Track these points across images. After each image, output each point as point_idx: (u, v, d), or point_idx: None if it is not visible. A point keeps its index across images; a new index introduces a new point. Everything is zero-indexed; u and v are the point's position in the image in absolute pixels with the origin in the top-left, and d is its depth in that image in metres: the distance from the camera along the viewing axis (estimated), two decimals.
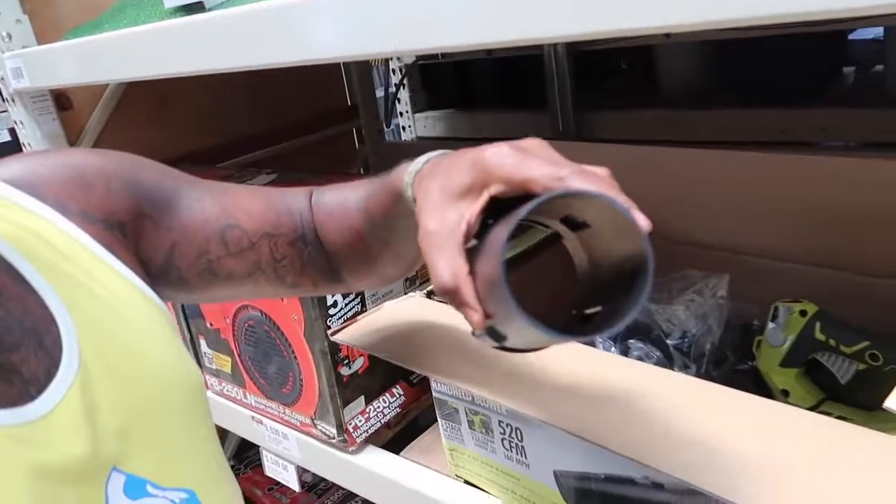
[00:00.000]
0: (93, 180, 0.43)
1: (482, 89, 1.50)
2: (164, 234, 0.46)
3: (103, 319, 0.39)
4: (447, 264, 0.34)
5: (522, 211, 0.31)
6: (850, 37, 1.15)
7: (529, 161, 0.34)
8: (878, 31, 1.09)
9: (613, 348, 0.60)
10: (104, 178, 0.43)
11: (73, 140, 0.94)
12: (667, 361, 0.59)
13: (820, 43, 1.10)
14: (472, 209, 0.35)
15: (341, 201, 0.50)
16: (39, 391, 0.34)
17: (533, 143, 0.36)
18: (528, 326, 0.30)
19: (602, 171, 0.35)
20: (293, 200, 0.51)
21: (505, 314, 0.32)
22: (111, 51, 0.68)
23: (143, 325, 0.41)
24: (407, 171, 0.42)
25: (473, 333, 0.36)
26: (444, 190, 0.36)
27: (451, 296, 0.35)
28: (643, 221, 0.31)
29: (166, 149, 0.97)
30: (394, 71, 1.46)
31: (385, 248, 0.48)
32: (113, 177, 0.44)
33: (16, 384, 0.34)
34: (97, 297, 0.39)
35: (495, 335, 0.35)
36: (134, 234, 0.45)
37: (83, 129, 0.94)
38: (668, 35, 1.07)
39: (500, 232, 0.33)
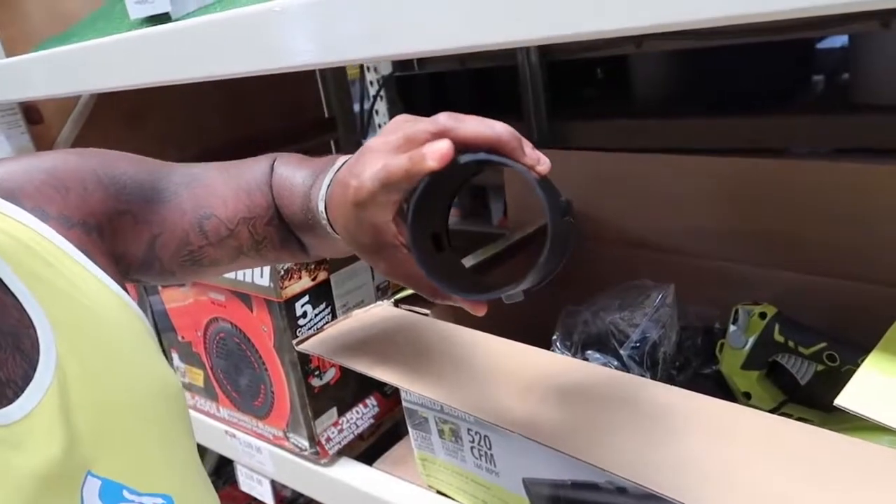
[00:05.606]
0: (69, 183, 0.43)
1: (458, 100, 1.51)
2: (143, 228, 0.47)
3: (81, 325, 0.39)
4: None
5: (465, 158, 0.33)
6: (818, 45, 1.17)
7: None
8: (844, 40, 1.11)
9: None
10: (80, 180, 0.44)
11: None
12: (624, 370, 0.59)
13: (789, 52, 1.12)
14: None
15: (290, 181, 0.49)
16: (17, 394, 0.34)
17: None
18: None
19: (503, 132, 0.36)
20: (260, 173, 0.50)
21: None
22: (81, 62, 0.68)
23: (121, 332, 0.41)
24: (318, 200, 0.43)
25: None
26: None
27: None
28: (543, 166, 0.33)
29: None
30: (371, 83, 1.46)
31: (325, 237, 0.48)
32: (89, 177, 0.44)
33: None
34: (76, 303, 0.39)
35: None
36: (112, 233, 0.45)
37: (54, 143, 0.94)
38: (639, 44, 1.08)
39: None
